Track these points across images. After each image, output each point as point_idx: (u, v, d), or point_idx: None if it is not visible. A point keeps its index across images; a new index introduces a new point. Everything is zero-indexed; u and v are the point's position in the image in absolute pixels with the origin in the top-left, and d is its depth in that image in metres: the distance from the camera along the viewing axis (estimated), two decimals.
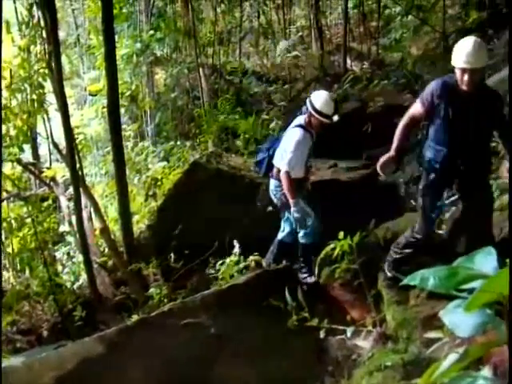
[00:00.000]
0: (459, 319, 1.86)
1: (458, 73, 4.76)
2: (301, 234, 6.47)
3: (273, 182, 6.69)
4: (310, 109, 6.45)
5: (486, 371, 1.91)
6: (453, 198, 5.58)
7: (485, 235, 5.07)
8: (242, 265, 6.45)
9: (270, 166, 6.74)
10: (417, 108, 5.15)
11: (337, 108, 6.58)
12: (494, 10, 11.11)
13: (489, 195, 5.36)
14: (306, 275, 6.44)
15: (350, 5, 13.99)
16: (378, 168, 5.12)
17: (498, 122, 4.99)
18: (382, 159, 5.10)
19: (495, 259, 1.91)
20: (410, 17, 12.75)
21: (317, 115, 6.39)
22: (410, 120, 5.19)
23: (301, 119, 6.61)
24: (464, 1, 12.55)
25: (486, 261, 1.91)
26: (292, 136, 6.49)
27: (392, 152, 5.11)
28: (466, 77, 4.68)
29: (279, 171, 6.46)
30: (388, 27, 13.95)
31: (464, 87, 4.76)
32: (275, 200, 6.71)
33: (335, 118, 6.44)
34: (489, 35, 10.51)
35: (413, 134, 5.46)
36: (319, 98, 6.46)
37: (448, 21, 12.10)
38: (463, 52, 4.66)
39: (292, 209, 6.24)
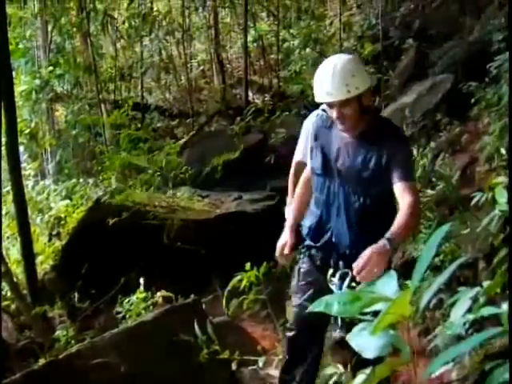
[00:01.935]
0: (365, 341, 1.89)
1: (328, 113, 3.59)
2: None
3: None
4: None
5: None
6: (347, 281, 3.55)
7: None
8: (149, 301, 6.36)
9: None
10: (295, 156, 4.23)
11: None
12: (387, 43, 11.56)
13: None
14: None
15: (250, 39, 14.27)
16: (277, 256, 3.95)
17: (392, 174, 3.44)
18: (279, 245, 3.90)
19: (395, 283, 1.96)
20: (308, 49, 13.09)
21: None
22: (304, 181, 3.98)
23: None
24: (359, 34, 13.02)
25: (387, 284, 1.96)
26: None
27: (287, 231, 3.91)
28: (334, 113, 3.45)
29: None
30: (288, 60, 14.27)
31: (338, 127, 3.53)
32: None
33: None
34: (384, 66, 10.94)
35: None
36: None
37: (345, 53, 12.47)
38: (319, 81, 3.45)
39: None
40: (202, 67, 17.45)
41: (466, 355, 3.49)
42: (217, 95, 15.29)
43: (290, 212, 4.05)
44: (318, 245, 3.73)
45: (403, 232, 3.28)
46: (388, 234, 3.19)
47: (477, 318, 2.12)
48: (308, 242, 3.82)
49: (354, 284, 3.32)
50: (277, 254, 3.90)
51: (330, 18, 14.50)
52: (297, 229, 3.88)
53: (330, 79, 3.34)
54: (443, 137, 7.84)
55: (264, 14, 16.80)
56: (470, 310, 2.28)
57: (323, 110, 3.72)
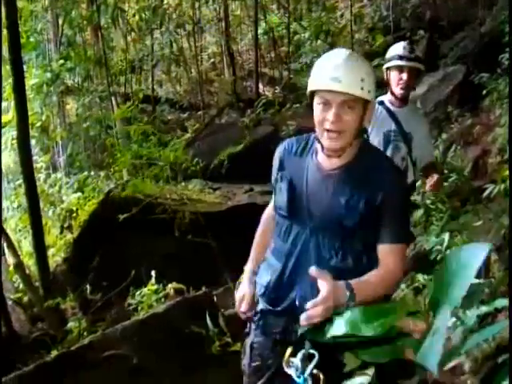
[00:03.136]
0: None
1: (316, 116, 2.51)
2: None
3: None
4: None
5: None
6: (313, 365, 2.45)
7: None
8: (161, 294, 6.38)
9: None
10: (273, 195, 2.92)
11: (412, 48, 4.46)
12: (398, 34, 11.51)
13: None
14: None
15: (261, 31, 14.24)
16: (239, 310, 2.94)
17: (381, 228, 2.53)
18: (238, 298, 2.94)
19: None
20: (319, 42, 13.06)
21: (386, 65, 4.52)
22: (268, 218, 3.08)
23: None
24: (370, 26, 12.97)
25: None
26: None
27: (246, 280, 2.96)
28: (330, 114, 2.43)
29: None
30: (298, 52, 14.25)
31: (326, 142, 2.51)
32: None
33: (401, 50, 4.40)
34: None
35: None
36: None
37: (356, 45, 12.46)
38: (326, 64, 2.49)
39: None
40: (212, 60, 17.46)
41: (478, 348, 3.48)
42: (227, 87, 15.27)
43: (250, 256, 3.07)
44: (279, 310, 2.72)
45: (369, 292, 2.40)
46: (352, 282, 2.37)
47: (490, 310, 2.11)
48: (263, 306, 2.82)
49: (316, 371, 2.42)
50: (237, 309, 2.97)
51: (341, 10, 14.43)
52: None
53: (343, 64, 2.43)
54: (455, 128, 7.81)
55: (274, 6, 16.77)
56: (482, 302, 2.26)
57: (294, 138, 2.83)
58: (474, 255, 1.62)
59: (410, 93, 4.54)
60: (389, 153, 4.32)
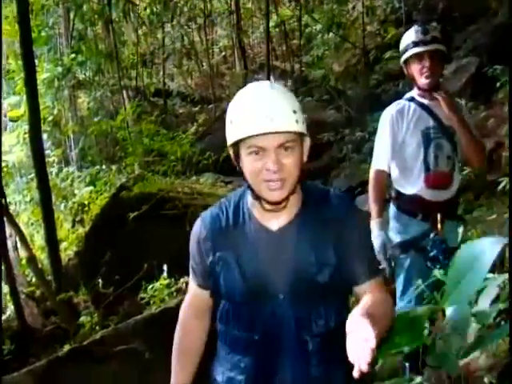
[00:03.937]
0: None
1: (248, 169, 2.06)
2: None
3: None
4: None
5: None
6: None
7: None
8: (173, 288, 6.37)
9: None
10: (190, 283, 2.53)
11: (426, 30, 3.94)
12: (410, 26, 11.41)
13: None
14: None
15: (272, 24, 14.17)
16: None
17: (354, 268, 2.12)
18: None
19: None
20: (330, 34, 12.99)
21: (403, 58, 3.95)
22: (189, 316, 2.47)
23: None
24: (382, 18, 12.88)
25: None
26: None
27: None
28: (268, 162, 1.99)
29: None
30: (310, 45, 14.19)
31: (267, 195, 2.06)
32: None
33: (413, 35, 3.91)
34: None
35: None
36: None
37: (367, 37, 12.39)
38: (249, 105, 2.02)
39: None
40: (223, 53, 17.43)
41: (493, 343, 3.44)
42: (239, 81, 15.22)
43: (178, 369, 2.49)
44: None
45: (383, 322, 1.90)
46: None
47: (505, 306, 2.08)
48: None
49: None
50: None
51: (353, 2, 14.33)
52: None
53: (269, 98, 2.03)
54: (468, 121, 7.74)
55: None
56: (497, 298, 2.23)
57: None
58: (488, 249, 1.57)
59: (439, 80, 3.93)
60: (431, 153, 3.81)
